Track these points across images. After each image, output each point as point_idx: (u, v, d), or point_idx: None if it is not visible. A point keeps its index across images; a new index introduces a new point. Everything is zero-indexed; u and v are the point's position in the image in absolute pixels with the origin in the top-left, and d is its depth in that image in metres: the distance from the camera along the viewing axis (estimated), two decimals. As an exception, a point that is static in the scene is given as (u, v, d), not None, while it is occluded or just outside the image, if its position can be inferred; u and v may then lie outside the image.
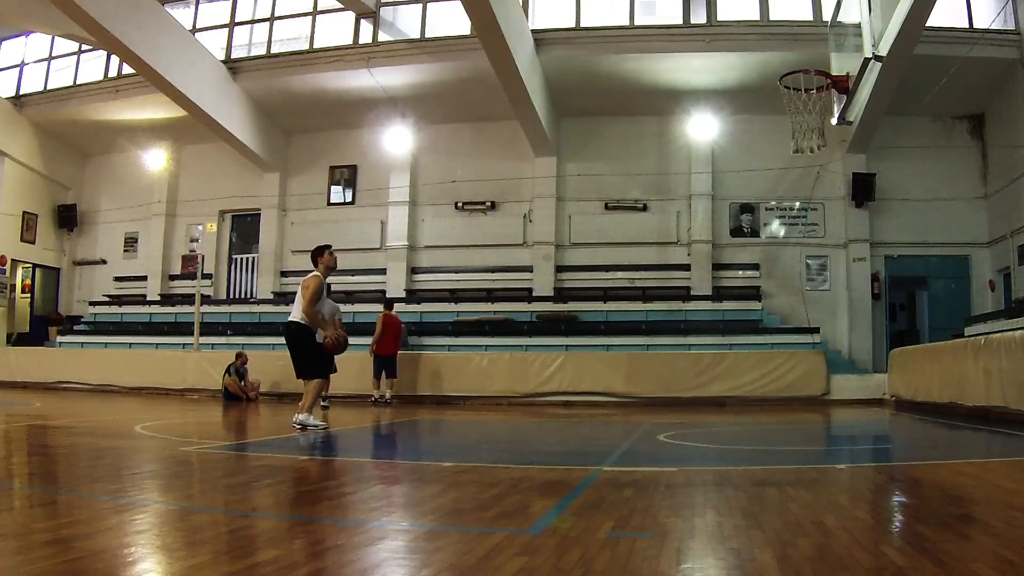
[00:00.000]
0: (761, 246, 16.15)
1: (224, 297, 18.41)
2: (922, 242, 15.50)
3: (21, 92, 18.53)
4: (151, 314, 17.91)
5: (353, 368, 12.38)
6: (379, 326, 13.28)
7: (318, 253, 7.89)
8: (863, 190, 15.31)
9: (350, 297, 16.60)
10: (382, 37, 16.24)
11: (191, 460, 5.31)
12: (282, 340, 14.16)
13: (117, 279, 19.21)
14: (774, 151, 14.89)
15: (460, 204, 17.09)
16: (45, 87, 18.48)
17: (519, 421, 10.12)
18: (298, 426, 7.45)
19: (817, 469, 5.22)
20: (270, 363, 14.00)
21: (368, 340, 13.11)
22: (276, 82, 16.52)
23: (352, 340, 14.64)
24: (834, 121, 12.17)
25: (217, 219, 18.65)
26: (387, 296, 16.58)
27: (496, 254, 16.97)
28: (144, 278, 18.76)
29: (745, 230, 16.22)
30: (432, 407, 12.83)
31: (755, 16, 14.98)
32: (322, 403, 11.51)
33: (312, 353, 7.67)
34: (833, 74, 11.60)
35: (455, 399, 13.77)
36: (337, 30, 16.64)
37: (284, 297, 17.10)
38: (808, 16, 14.86)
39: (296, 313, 7.63)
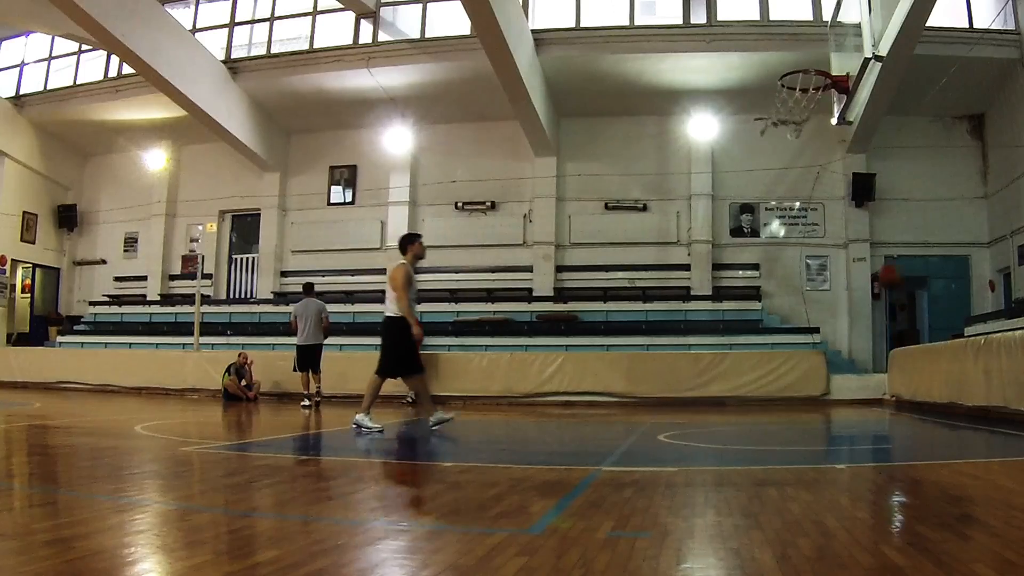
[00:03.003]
0: (761, 246, 16.15)
1: (224, 297, 18.40)
2: (922, 242, 15.49)
3: (21, 92, 18.52)
4: (151, 314, 17.90)
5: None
6: None
7: (408, 241, 7.66)
8: (863, 190, 15.30)
9: (350, 297, 16.63)
10: (382, 37, 16.23)
11: (191, 460, 5.31)
12: (282, 340, 14.42)
13: (117, 279, 19.20)
14: (774, 151, 14.88)
15: (460, 204, 17.08)
16: (45, 87, 18.47)
17: (519, 421, 10.12)
18: (354, 426, 7.24)
19: (817, 469, 5.22)
20: (270, 363, 14.02)
21: (369, 341, 13.08)
22: (276, 82, 16.51)
23: (353, 340, 14.83)
24: (834, 121, 12.17)
25: (217, 219, 18.63)
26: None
27: (496, 254, 16.96)
28: (144, 278, 18.74)
29: (745, 230, 16.21)
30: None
31: (755, 16, 14.97)
32: (303, 404, 11.48)
33: (403, 348, 7.34)
34: (833, 74, 11.60)
35: (455, 399, 13.75)
36: (337, 30, 16.64)
37: (284, 297, 17.11)
38: (808, 16, 14.85)
39: (391, 307, 7.44)
